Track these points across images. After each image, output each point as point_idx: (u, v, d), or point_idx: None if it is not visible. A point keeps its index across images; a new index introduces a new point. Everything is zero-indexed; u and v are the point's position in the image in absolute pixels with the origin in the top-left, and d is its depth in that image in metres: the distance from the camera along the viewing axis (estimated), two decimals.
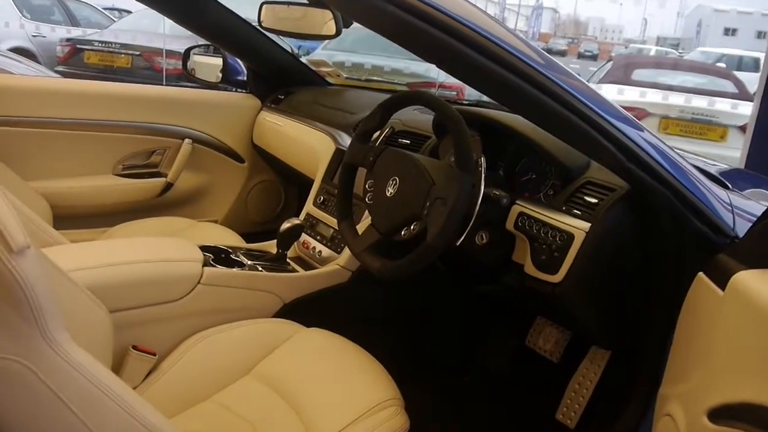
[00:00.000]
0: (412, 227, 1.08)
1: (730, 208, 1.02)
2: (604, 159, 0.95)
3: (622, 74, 5.64)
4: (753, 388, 0.68)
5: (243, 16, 1.90)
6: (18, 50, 5.60)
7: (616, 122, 0.89)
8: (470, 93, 4.85)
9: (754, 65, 10.44)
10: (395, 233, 1.11)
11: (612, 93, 4.91)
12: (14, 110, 1.69)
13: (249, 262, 1.33)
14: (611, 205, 1.02)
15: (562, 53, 28.62)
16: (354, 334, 1.18)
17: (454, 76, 0.92)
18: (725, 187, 1.15)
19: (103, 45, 5.24)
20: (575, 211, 1.06)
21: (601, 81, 5.61)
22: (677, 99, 4.90)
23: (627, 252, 1.04)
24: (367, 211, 1.35)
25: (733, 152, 4.06)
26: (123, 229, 1.65)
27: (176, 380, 1.05)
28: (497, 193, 1.08)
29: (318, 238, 1.54)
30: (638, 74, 5.64)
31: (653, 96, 4.97)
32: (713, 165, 1.45)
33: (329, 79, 2.24)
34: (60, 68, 5.18)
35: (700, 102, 4.84)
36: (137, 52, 5.18)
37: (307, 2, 1.54)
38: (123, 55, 5.18)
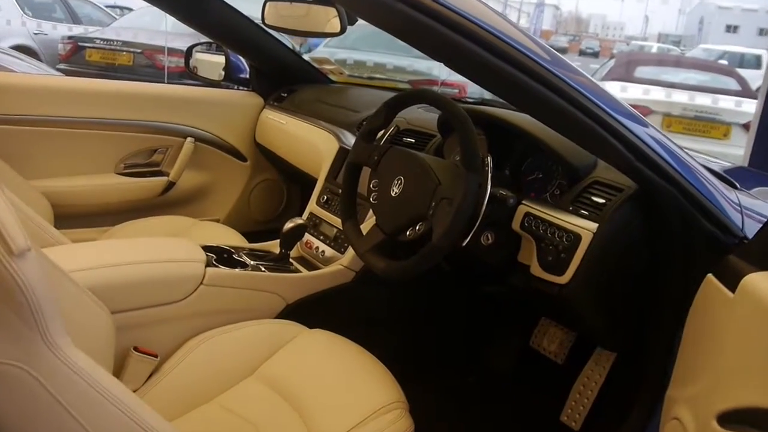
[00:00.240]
0: (417, 227, 1.07)
1: (739, 208, 1.00)
2: (612, 158, 0.93)
3: (624, 72, 5.62)
4: (765, 392, 0.67)
5: (246, 13, 1.89)
6: (20, 48, 5.59)
7: (623, 120, 0.88)
8: (472, 91, 4.84)
9: (756, 62, 10.42)
10: (400, 233, 1.10)
11: (615, 91, 4.88)
12: (15, 108, 1.68)
13: (252, 263, 1.32)
14: (619, 205, 1.01)
15: (563, 50, 28.51)
16: (358, 334, 1.17)
17: (463, 75, 0.90)
18: (733, 186, 1.14)
19: (105, 43, 5.24)
20: (582, 211, 1.05)
21: (604, 78, 5.59)
22: (681, 97, 4.88)
23: (635, 253, 1.03)
24: (371, 211, 1.34)
25: (736, 150, 4.05)
26: (125, 228, 1.64)
27: (178, 382, 1.04)
28: (504, 193, 1.07)
29: (321, 237, 1.53)
30: (641, 71, 5.62)
31: (657, 93, 4.95)
32: (716, 163, 1.44)
33: (332, 77, 2.23)
34: (62, 66, 5.18)
35: (703, 100, 4.82)
36: (139, 50, 5.17)
37: None
38: (125, 53, 5.17)
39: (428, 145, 1.39)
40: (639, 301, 1.06)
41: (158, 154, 1.93)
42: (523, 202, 1.12)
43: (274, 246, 1.43)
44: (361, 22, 1.61)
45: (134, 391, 1.01)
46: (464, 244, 1.03)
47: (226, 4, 1.82)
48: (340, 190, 1.27)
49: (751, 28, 35.12)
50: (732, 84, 5.46)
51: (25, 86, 1.74)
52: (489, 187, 1.01)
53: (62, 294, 0.77)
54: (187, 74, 2.17)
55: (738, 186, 1.15)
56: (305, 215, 1.62)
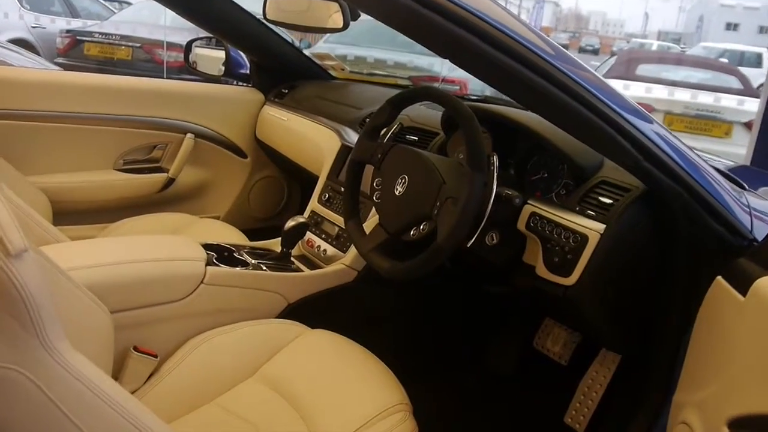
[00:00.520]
0: (421, 227, 1.06)
1: (747, 209, 0.99)
2: (620, 157, 0.91)
3: (625, 69, 5.60)
4: None
5: (247, 8, 1.87)
6: (17, 42, 5.57)
7: (630, 117, 0.86)
8: (473, 88, 4.82)
9: (756, 60, 10.42)
10: (404, 233, 1.09)
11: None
12: (13, 103, 1.66)
13: (253, 261, 1.30)
14: (627, 206, 0.99)
15: (563, 48, 28.47)
16: (360, 334, 1.16)
17: (467, 71, 0.88)
18: (741, 187, 1.13)
19: (104, 37, 5.20)
20: (589, 211, 1.03)
21: (605, 76, 5.57)
22: (683, 95, 4.86)
23: (642, 254, 1.02)
24: (373, 209, 1.32)
25: (738, 149, 4.04)
26: (124, 225, 1.63)
27: (178, 382, 1.03)
28: (509, 192, 1.05)
29: (323, 236, 1.51)
30: (642, 69, 5.60)
31: (659, 91, 4.93)
32: (719, 162, 1.43)
33: (333, 73, 2.21)
34: (60, 60, 5.15)
35: (705, 98, 4.81)
36: (138, 44, 5.14)
37: None
38: (123, 47, 5.14)
39: (431, 143, 1.37)
40: (646, 303, 1.05)
41: (158, 150, 1.92)
42: (529, 201, 1.10)
43: (275, 244, 1.41)
44: (361, 17, 1.60)
45: (134, 392, 1.00)
46: (469, 244, 1.01)
47: None
48: (343, 189, 1.26)
49: (752, 26, 35.11)
50: (734, 82, 5.44)
51: (22, 81, 1.72)
52: (495, 186, 0.99)
53: (60, 293, 0.76)
54: (187, 69, 2.15)
55: (746, 186, 1.14)
56: (306, 213, 1.60)
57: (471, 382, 1.59)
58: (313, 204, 1.61)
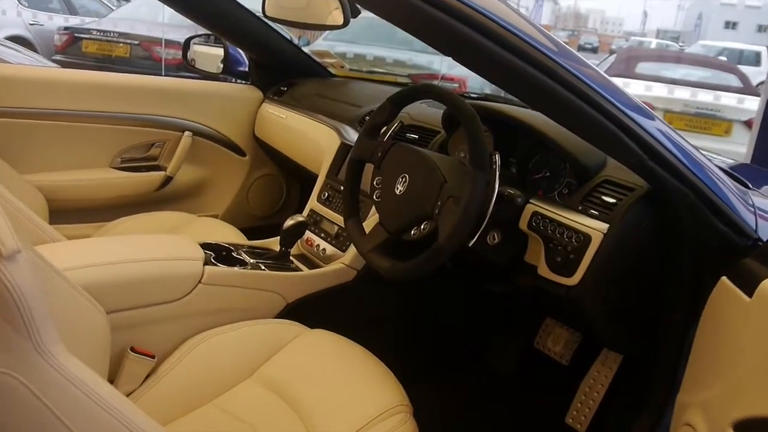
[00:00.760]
0: (422, 227, 1.04)
1: (752, 209, 0.98)
2: (623, 156, 0.90)
3: (625, 67, 5.59)
4: None
5: (246, 5, 1.85)
6: (15, 39, 5.54)
7: (634, 115, 0.85)
8: (472, 85, 4.81)
9: (755, 59, 10.43)
10: (405, 233, 1.07)
11: None
12: (10, 100, 1.65)
13: (251, 261, 1.29)
14: (630, 205, 0.98)
15: None
16: (359, 334, 1.15)
17: (469, 68, 0.87)
18: (745, 186, 1.11)
19: (102, 34, 5.19)
20: (592, 211, 1.02)
21: None
22: (683, 93, 4.85)
23: (646, 254, 1.01)
24: (373, 208, 1.31)
25: (738, 147, 4.03)
26: (121, 224, 1.62)
27: (176, 383, 1.02)
28: (511, 191, 1.04)
29: (322, 235, 1.50)
30: (642, 67, 5.59)
31: (659, 90, 4.92)
32: (719, 160, 1.41)
33: (333, 71, 2.20)
34: (57, 57, 5.13)
35: (705, 96, 4.80)
36: (136, 42, 5.13)
37: None
38: (121, 45, 5.13)
39: (432, 142, 1.36)
40: (649, 304, 1.04)
41: (155, 148, 1.90)
42: (531, 201, 1.09)
43: (273, 243, 1.40)
44: (361, 14, 1.58)
45: (131, 393, 0.98)
46: (470, 244, 1.00)
47: None
48: (342, 187, 1.24)
49: (751, 24, 35.11)
50: (733, 81, 5.43)
51: (20, 78, 1.70)
52: (497, 185, 0.98)
53: (56, 293, 0.75)
54: (185, 67, 2.14)
55: (750, 186, 1.13)
56: (306, 212, 1.59)
57: (472, 382, 1.59)
58: (313, 203, 1.60)
